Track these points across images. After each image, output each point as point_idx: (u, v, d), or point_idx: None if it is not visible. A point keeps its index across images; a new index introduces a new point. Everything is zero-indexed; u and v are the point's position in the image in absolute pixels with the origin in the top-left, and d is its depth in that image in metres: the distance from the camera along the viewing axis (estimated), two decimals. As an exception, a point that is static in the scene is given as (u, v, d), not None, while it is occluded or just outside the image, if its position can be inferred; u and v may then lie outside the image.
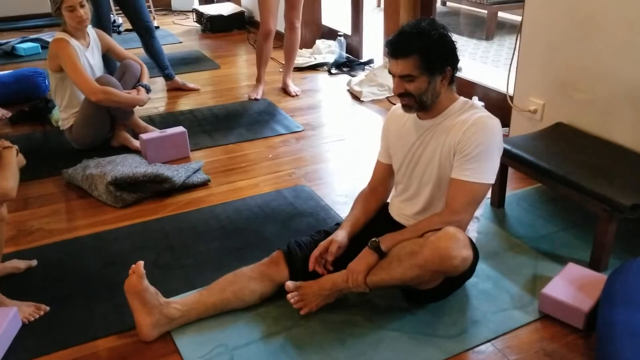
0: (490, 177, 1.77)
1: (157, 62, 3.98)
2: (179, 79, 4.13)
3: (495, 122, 1.78)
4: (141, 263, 1.78)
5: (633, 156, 2.24)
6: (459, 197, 1.76)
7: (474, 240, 1.92)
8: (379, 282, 1.76)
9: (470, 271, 1.82)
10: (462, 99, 1.84)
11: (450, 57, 1.75)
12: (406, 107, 1.81)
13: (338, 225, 2.03)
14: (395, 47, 1.72)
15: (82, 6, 2.86)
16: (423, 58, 1.70)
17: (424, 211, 1.90)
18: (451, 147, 1.78)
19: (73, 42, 2.90)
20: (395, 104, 1.98)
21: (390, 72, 1.77)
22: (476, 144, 1.72)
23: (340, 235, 1.89)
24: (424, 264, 1.68)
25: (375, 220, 2.01)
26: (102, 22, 3.54)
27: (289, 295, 1.83)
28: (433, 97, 1.77)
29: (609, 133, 2.37)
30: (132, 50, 3.80)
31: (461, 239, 1.68)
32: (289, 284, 1.84)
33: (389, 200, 2.08)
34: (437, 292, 1.84)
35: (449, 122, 1.80)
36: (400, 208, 1.98)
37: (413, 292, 1.86)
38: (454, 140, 1.76)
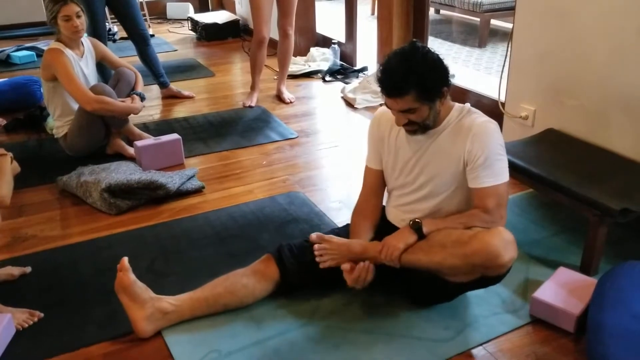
0: (507, 175, 1.80)
1: (152, 70, 4.00)
2: (174, 86, 4.15)
3: (494, 125, 1.81)
4: (125, 258, 1.80)
5: (623, 161, 2.27)
6: (488, 202, 1.76)
7: None
8: (414, 262, 1.77)
9: (504, 275, 1.81)
10: (457, 105, 1.85)
11: (444, 78, 1.74)
12: (412, 132, 1.82)
13: (333, 231, 2.04)
14: (390, 88, 1.70)
15: (78, 16, 2.88)
16: (420, 91, 1.69)
17: (428, 216, 1.89)
18: (461, 156, 1.79)
19: (67, 52, 2.92)
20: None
21: (388, 107, 1.77)
22: (487, 152, 1.74)
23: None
24: (469, 255, 1.68)
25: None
26: (97, 31, 3.56)
27: (315, 247, 1.86)
28: (435, 117, 1.79)
29: (600, 139, 2.40)
30: (127, 59, 3.82)
31: (511, 240, 1.70)
32: (313, 235, 1.88)
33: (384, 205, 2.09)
34: (448, 293, 1.87)
35: (450, 131, 1.81)
36: (399, 214, 1.98)
37: (421, 293, 1.89)
38: (464, 150, 1.78)
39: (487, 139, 1.76)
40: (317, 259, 1.86)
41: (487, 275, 1.75)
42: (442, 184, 1.84)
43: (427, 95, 1.71)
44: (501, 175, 1.78)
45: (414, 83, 1.68)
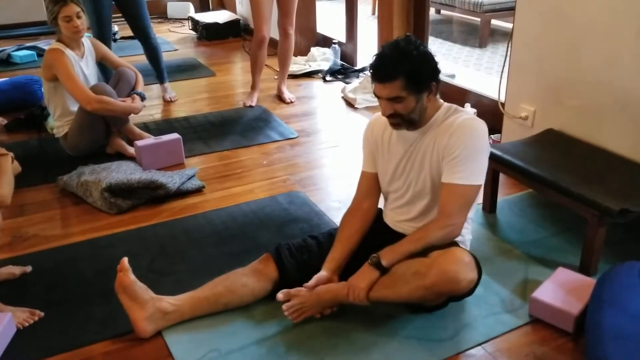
0: (479, 178, 1.79)
1: (154, 68, 4.01)
2: (167, 86, 4.11)
3: (478, 123, 1.80)
4: (125, 259, 1.81)
5: (622, 162, 2.27)
6: (452, 201, 1.78)
7: (469, 243, 1.96)
8: (382, 298, 1.79)
9: (474, 288, 1.84)
10: (445, 104, 1.86)
11: (434, 72, 1.76)
12: (396, 126, 1.82)
13: (333, 231, 2.04)
14: (380, 72, 1.72)
15: (78, 17, 2.89)
16: (409, 79, 1.70)
17: (421, 216, 1.91)
18: (439, 153, 1.80)
19: (68, 52, 2.93)
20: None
21: (376, 95, 1.78)
22: (462, 147, 1.74)
23: (323, 277, 1.87)
24: (430, 286, 1.70)
25: (372, 229, 2.02)
26: (103, 32, 3.58)
27: (284, 307, 1.82)
28: (421, 112, 1.79)
29: (599, 139, 2.40)
30: (128, 58, 3.82)
31: (467, 262, 1.72)
32: (279, 294, 1.83)
33: (382, 208, 2.09)
34: (439, 304, 1.88)
35: (435, 130, 1.82)
36: (394, 216, 1.99)
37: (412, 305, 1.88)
38: (442, 145, 1.79)
39: (465, 136, 1.75)
40: (290, 317, 1.82)
41: (455, 295, 1.79)
42: (429, 183, 1.85)
43: (416, 85, 1.72)
44: (474, 176, 1.77)
45: (404, 70, 1.69)
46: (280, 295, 1.83)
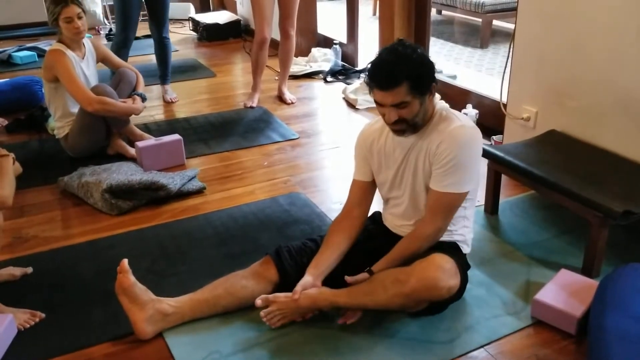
0: (467, 186, 1.80)
1: (159, 68, 4.02)
2: (168, 87, 4.11)
3: (468, 131, 1.78)
4: (125, 260, 1.81)
5: (625, 163, 2.26)
6: (439, 208, 1.80)
7: (470, 242, 1.96)
8: (360, 306, 1.80)
9: (459, 293, 1.83)
10: (438, 106, 1.85)
11: (432, 72, 1.76)
12: (399, 132, 1.80)
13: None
14: (383, 79, 1.70)
15: (79, 18, 2.89)
16: (413, 83, 1.69)
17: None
18: (430, 159, 1.80)
19: (69, 53, 2.93)
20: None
21: (378, 103, 1.75)
22: (451, 157, 1.74)
23: (308, 283, 1.85)
24: (410, 294, 1.70)
25: (371, 233, 2.02)
26: (126, 34, 3.63)
27: (262, 313, 1.81)
28: (424, 115, 1.79)
29: (601, 140, 2.40)
30: (130, 58, 3.81)
31: (448, 269, 1.72)
32: (258, 300, 1.82)
33: (381, 211, 2.09)
34: (432, 310, 1.87)
35: (429, 136, 1.81)
36: (393, 220, 1.99)
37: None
38: (432, 152, 1.79)
39: (453, 146, 1.74)
40: (268, 323, 1.82)
41: (438, 300, 1.78)
42: (424, 188, 1.85)
43: (419, 88, 1.71)
44: (462, 185, 1.77)
45: (406, 74, 1.68)
46: (258, 301, 1.82)
